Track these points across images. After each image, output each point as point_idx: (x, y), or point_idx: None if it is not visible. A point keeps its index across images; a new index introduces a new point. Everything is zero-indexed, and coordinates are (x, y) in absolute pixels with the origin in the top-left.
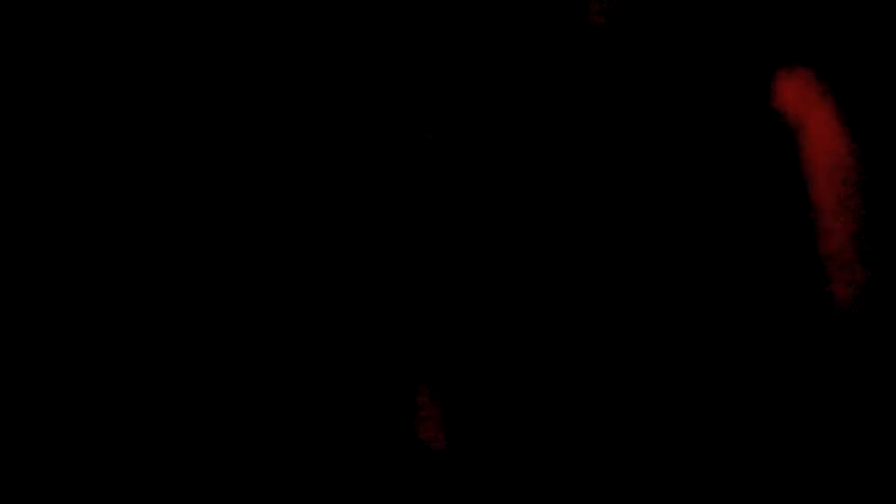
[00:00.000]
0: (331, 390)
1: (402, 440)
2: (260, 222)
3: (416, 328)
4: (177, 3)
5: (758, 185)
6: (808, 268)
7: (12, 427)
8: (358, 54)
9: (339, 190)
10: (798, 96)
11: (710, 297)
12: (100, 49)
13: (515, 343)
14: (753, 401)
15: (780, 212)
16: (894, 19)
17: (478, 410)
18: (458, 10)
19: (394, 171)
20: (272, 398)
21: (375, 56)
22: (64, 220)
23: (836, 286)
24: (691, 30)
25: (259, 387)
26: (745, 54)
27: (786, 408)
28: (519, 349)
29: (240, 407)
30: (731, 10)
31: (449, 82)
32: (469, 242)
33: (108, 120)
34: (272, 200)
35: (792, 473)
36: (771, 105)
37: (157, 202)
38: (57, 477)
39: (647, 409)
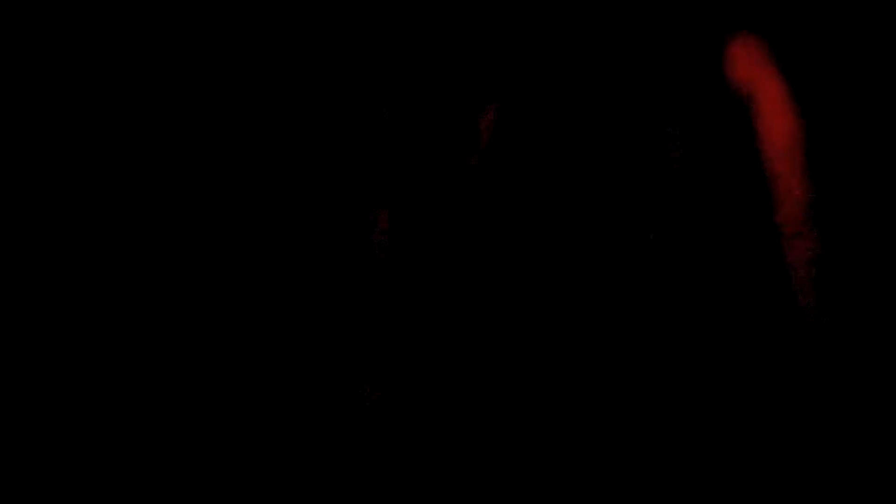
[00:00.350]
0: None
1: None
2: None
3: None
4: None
5: (712, 155)
6: (763, 235)
7: (14, 427)
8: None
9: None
10: (749, 67)
11: (668, 258)
12: (93, 49)
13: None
14: (710, 365)
15: (734, 181)
16: None
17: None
18: None
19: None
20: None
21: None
22: (59, 220)
23: (789, 251)
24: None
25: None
26: (695, 23)
27: (741, 369)
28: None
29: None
30: None
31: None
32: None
33: (103, 120)
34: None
35: (755, 444)
36: (723, 76)
37: (142, 202)
38: (56, 476)
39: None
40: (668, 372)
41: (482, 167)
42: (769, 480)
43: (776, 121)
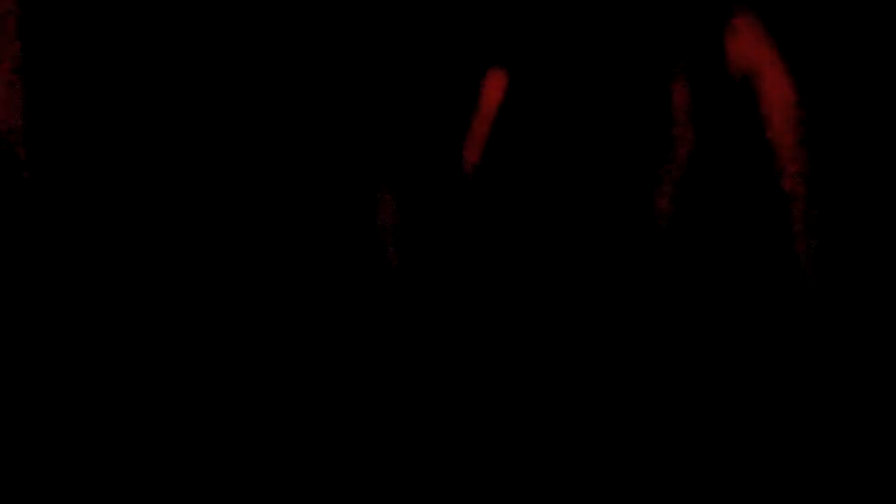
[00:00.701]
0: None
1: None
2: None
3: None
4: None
5: (718, 128)
6: (768, 207)
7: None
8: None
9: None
10: (751, 41)
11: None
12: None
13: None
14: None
15: (740, 152)
16: None
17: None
18: None
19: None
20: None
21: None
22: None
23: (794, 223)
24: None
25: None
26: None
27: (747, 338)
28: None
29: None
30: None
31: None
32: None
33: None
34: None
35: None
36: (726, 54)
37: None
38: (56, 476)
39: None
40: (678, 344)
41: (487, 141)
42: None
43: (778, 93)
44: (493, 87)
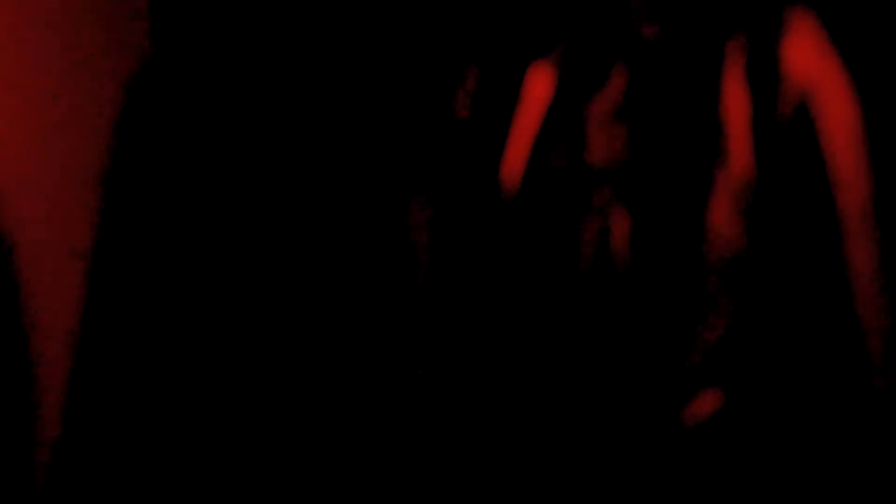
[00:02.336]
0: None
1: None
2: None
3: None
4: None
5: (772, 151)
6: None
7: None
8: None
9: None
10: (808, 56)
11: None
12: None
13: None
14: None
15: (798, 177)
16: None
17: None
18: None
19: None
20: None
21: None
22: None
23: (850, 249)
24: None
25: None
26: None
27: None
28: None
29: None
30: None
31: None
32: None
33: None
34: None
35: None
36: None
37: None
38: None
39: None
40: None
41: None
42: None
43: (839, 108)
44: (539, 83)
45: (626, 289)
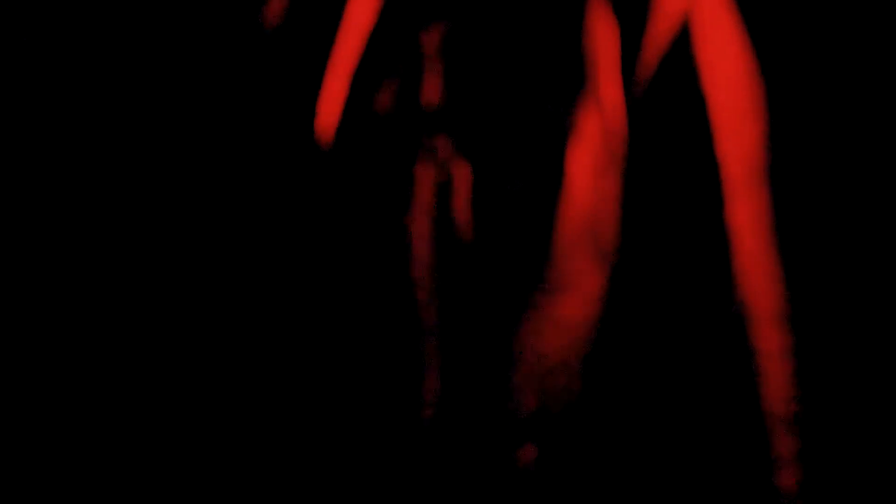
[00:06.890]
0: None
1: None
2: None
3: None
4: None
5: (645, 89)
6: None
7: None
8: None
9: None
10: None
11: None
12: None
13: None
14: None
15: (676, 122)
16: None
17: None
18: None
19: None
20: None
21: None
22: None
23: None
24: None
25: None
26: None
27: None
28: None
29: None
30: None
31: None
32: None
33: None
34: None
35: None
36: None
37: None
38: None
39: None
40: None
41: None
42: None
43: (724, 34)
44: (360, 4)
45: (470, 260)
